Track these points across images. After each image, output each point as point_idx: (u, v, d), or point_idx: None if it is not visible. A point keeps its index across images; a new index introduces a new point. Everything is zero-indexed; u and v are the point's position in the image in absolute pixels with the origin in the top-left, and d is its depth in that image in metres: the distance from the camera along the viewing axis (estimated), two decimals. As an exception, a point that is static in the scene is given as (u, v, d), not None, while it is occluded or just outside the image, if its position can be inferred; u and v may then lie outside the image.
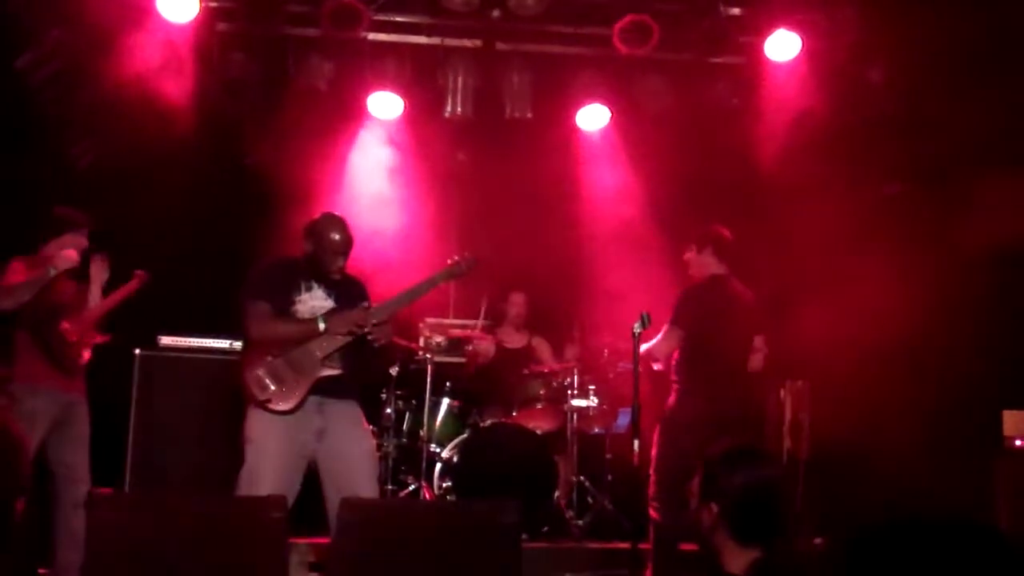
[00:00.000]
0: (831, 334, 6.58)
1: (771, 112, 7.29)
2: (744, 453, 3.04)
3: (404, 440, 7.27)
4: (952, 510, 1.84)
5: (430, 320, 7.80)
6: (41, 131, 6.84)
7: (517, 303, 7.85)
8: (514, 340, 7.87)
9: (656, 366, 6.04)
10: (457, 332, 7.70)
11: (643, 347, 5.73)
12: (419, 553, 4.20)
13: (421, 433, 7.14)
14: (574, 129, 7.93)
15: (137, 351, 6.66)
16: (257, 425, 4.92)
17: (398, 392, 7.30)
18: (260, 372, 4.92)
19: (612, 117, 7.80)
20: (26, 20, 6.68)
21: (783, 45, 7.27)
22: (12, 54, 6.76)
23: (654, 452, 5.86)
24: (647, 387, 6.47)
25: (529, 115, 7.56)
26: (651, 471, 5.82)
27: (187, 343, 6.79)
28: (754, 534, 2.93)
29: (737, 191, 7.55)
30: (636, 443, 5.16)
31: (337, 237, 5.17)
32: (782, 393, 6.65)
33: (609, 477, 7.30)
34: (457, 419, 7.36)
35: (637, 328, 5.25)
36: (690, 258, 6.15)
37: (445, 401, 7.37)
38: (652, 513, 5.78)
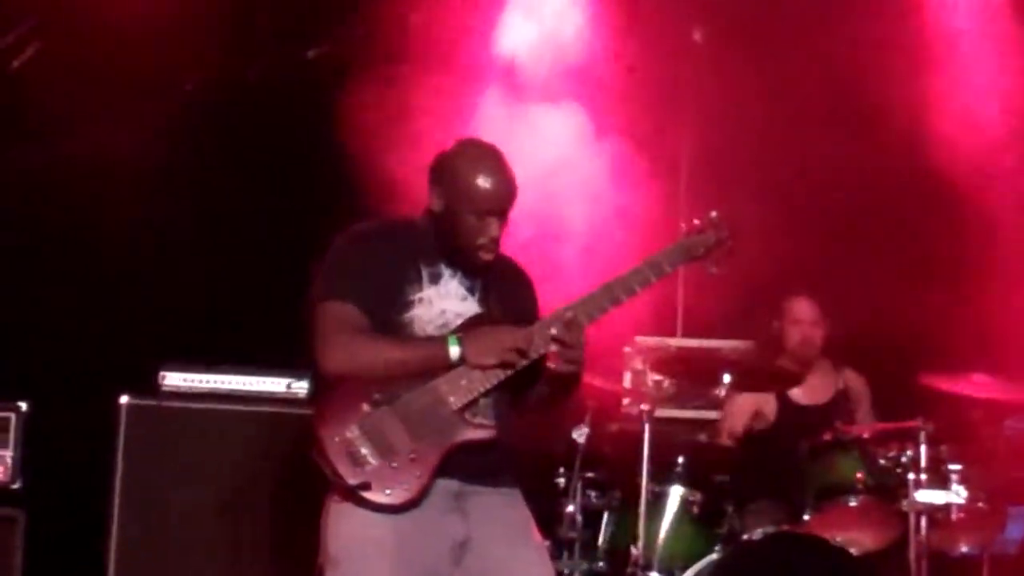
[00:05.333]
0: None
1: None
2: None
3: (600, 563, 5.10)
4: None
5: (646, 341, 5.46)
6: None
7: (803, 313, 5.36)
8: (811, 391, 5.45)
9: None
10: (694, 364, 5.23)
11: None
12: None
13: (633, 550, 4.90)
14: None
15: (123, 399, 4.89)
16: (346, 532, 3.35)
17: (588, 475, 5.08)
18: (350, 434, 3.32)
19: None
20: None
21: None
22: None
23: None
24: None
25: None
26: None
27: (206, 384, 5.07)
28: None
29: None
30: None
31: (487, 184, 3.34)
32: None
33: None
34: (698, 524, 5.09)
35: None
36: None
37: (676, 491, 5.08)
38: None
